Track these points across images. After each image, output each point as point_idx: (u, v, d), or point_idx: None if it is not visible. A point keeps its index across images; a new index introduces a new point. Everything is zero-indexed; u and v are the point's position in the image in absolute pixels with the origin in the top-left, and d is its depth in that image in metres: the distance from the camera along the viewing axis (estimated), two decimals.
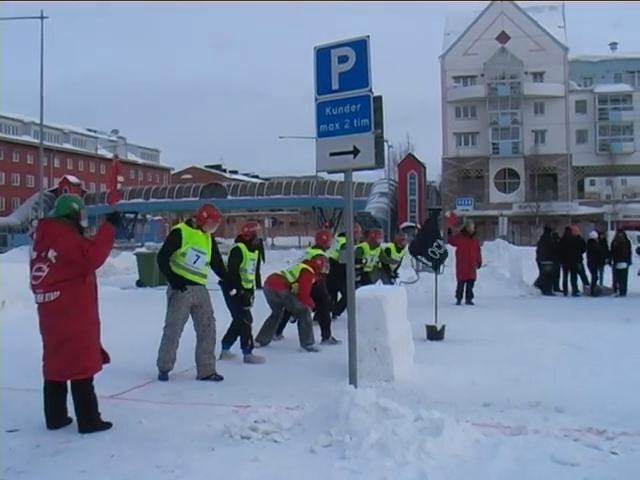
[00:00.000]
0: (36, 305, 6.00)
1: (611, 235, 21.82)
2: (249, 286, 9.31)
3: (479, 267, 16.87)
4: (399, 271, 15.26)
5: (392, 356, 7.94)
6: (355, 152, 6.24)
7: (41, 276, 5.85)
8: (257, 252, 9.70)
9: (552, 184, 63.86)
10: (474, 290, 16.50)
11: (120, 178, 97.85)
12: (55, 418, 5.99)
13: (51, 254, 5.81)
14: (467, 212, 25.12)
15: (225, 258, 9.12)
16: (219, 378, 7.96)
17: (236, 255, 9.23)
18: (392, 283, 14.21)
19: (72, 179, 77.37)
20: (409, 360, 8.50)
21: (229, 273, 8.97)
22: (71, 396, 6.00)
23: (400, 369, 7.99)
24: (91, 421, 5.90)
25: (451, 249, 18.29)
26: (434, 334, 10.68)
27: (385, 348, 7.94)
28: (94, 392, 6.00)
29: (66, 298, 5.81)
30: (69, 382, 5.97)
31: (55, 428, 5.93)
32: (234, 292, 8.83)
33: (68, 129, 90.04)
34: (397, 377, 7.86)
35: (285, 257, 27.47)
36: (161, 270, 8.17)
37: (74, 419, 6.01)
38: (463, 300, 16.23)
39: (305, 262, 10.60)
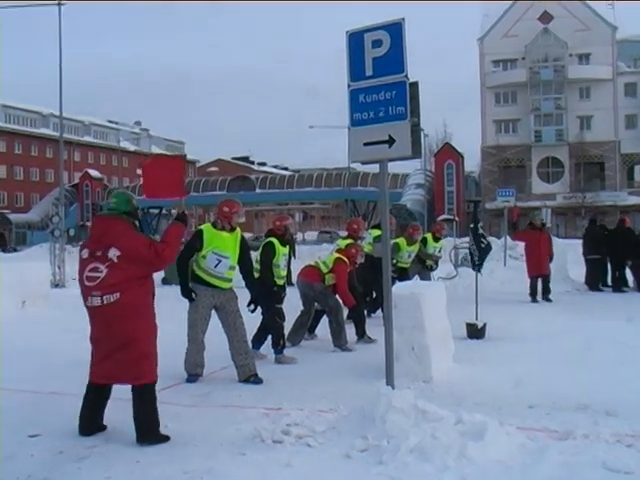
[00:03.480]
0: (88, 308, 5.83)
1: None
2: (281, 282, 9.32)
3: (551, 261, 16.60)
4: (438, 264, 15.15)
5: (430, 355, 7.93)
6: (390, 141, 6.21)
7: (98, 277, 5.68)
8: (289, 247, 9.69)
9: (599, 173, 63.10)
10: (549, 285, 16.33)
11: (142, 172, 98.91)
12: (90, 424, 5.93)
13: (113, 253, 5.67)
14: (508, 204, 24.78)
15: (255, 254, 9.13)
16: (259, 381, 7.97)
17: (269, 250, 9.20)
18: (430, 279, 14.16)
19: (94, 173, 77.85)
20: (448, 360, 8.48)
21: (262, 269, 8.98)
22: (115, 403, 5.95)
23: (439, 369, 7.97)
24: (151, 432, 5.76)
25: (520, 245, 18.27)
26: (475, 332, 10.63)
27: (423, 347, 7.93)
28: (156, 400, 5.91)
29: (126, 300, 5.68)
30: (131, 388, 5.84)
31: (88, 435, 5.87)
32: (252, 307, 8.46)
33: (89, 121, 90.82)
34: (436, 378, 7.84)
35: (317, 252, 27.45)
36: (178, 273, 8.08)
37: (104, 426, 5.99)
38: (539, 297, 16.11)
39: (339, 251, 10.60)
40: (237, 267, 8.26)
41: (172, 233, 6.13)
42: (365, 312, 11.57)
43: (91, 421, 5.96)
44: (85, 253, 5.84)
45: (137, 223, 6.08)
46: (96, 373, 5.90)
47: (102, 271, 5.68)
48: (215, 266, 7.96)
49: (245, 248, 8.31)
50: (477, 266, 11.47)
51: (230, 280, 8.14)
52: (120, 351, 5.73)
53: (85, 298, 5.80)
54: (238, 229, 8.25)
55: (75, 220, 70.47)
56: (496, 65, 66.64)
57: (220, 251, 7.97)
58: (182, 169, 7.04)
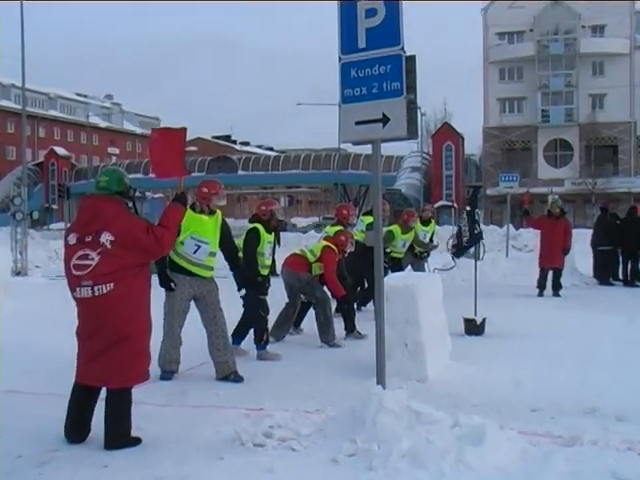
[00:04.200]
0: (76, 300, 5.69)
1: None
2: (266, 272, 9.33)
3: (566, 254, 16.47)
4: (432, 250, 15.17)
5: (425, 353, 7.96)
6: (384, 120, 6.20)
7: (89, 265, 5.50)
8: (274, 234, 9.67)
9: (612, 157, 63.13)
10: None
11: (115, 150, 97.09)
12: (79, 429, 5.80)
13: (105, 238, 5.51)
14: (511, 189, 24.75)
15: (237, 241, 9.10)
16: (239, 379, 8.00)
17: (253, 237, 9.20)
18: (424, 269, 14.19)
19: (60, 151, 77.52)
20: (445, 358, 8.51)
21: (246, 258, 8.98)
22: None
23: (434, 368, 8.01)
24: (123, 437, 5.69)
25: (535, 233, 18.24)
26: (473, 328, 10.67)
27: (417, 344, 7.95)
28: (131, 403, 5.83)
29: (121, 291, 5.54)
30: (105, 389, 5.77)
31: (78, 442, 5.74)
32: (243, 292, 8.69)
33: (55, 93, 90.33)
34: (431, 377, 7.88)
35: (303, 241, 27.50)
36: (155, 261, 8.00)
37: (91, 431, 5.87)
38: (549, 292, 16.10)
39: (327, 239, 10.60)
40: (219, 254, 8.28)
41: (171, 215, 6.05)
42: (355, 305, 11.58)
43: (80, 426, 5.81)
44: (72, 239, 5.67)
45: (131, 204, 5.96)
46: (83, 374, 5.76)
47: (93, 258, 5.52)
48: (194, 252, 7.96)
49: (226, 232, 8.32)
50: (461, 249, 11.50)
51: (211, 268, 8.15)
52: (111, 349, 5.59)
53: (73, 289, 5.66)
54: (219, 212, 8.25)
55: (39, 202, 70.30)
56: (501, 38, 66.48)
57: (199, 236, 7.97)
58: (183, 144, 6.95)
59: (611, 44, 62.97)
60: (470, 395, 7.14)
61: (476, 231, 11.50)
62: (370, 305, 11.91)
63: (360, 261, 11.65)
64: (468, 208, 11.75)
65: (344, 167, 65.16)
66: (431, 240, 14.88)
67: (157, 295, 7.56)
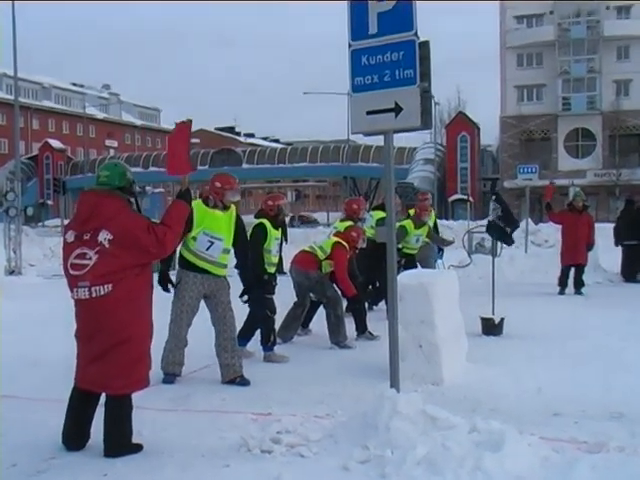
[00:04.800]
0: (74, 300, 5.68)
1: None
2: (272, 270, 9.33)
3: (590, 249, 16.42)
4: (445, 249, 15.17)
5: (441, 354, 7.95)
6: (397, 110, 6.18)
7: (87, 265, 5.48)
8: (281, 230, 9.67)
9: (637, 146, 62.89)
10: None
11: (113, 142, 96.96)
12: (78, 436, 5.78)
13: (103, 237, 5.47)
14: (530, 182, 24.59)
15: None
16: (245, 382, 8.00)
17: (259, 233, 9.21)
18: (434, 264, 14.17)
19: (55, 144, 77.72)
20: (461, 359, 8.51)
21: (251, 255, 8.98)
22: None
23: (451, 370, 8.01)
24: (123, 443, 5.68)
25: (556, 228, 18.17)
26: (491, 328, 10.66)
27: (432, 345, 7.95)
28: (131, 408, 5.82)
29: (120, 293, 5.51)
30: (104, 394, 5.75)
31: (76, 450, 5.73)
32: (245, 299, 8.59)
33: (49, 83, 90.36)
34: (447, 380, 7.87)
35: (312, 237, 27.47)
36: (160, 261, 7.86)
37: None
38: (569, 290, 16.07)
39: (337, 235, 10.58)
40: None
41: (174, 214, 5.99)
42: (366, 304, 11.57)
43: (79, 432, 5.79)
44: (70, 236, 5.64)
45: (133, 201, 5.92)
46: (82, 378, 5.75)
47: (91, 258, 5.49)
48: (207, 249, 7.94)
49: (241, 229, 8.31)
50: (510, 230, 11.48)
51: (225, 266, 8.14)
52: (110, 353, 5.57)
53: (71, 289, 5.65)
54: (233, 207, 8.23)
55: (34, 197, 70.38)
56: (519, 21, 66.22)
57: (212, 232, 7.96)
58: (188, 139, 6.92)
59: (637, 26, 62.23)
60: (488, 399, 7.14)
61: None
62: (382, 304, 11.92)
63: (370, 258, 11.64)
64: (494, 197, 11.69)
65: (354, 159, 65.10)
66: (436, 230, 14.86)
67: (160, 296, 7.62)
